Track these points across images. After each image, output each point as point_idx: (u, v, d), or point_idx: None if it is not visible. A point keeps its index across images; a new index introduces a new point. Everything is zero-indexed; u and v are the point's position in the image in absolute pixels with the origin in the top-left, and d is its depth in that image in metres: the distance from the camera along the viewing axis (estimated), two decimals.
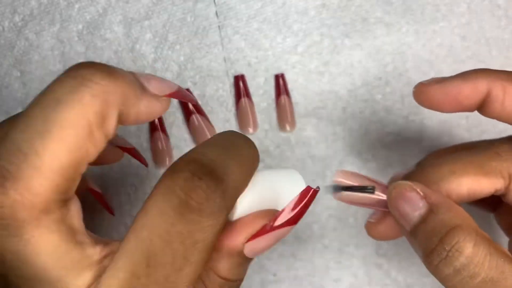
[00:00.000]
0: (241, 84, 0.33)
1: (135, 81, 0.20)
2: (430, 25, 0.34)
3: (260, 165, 0.33)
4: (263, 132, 0.34)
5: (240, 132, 0.33)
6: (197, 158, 0.19)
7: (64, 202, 0.18)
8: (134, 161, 0.32)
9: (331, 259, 0.34)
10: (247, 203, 0.21)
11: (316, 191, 0.20)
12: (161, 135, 0.32)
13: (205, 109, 0.33)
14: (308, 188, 0.20)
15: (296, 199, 0.20)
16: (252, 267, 0.34)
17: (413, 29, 0.34)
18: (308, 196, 0.20)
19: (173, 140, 0.33)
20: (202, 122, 0.33)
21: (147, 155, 0.33)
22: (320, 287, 0.34)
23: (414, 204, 0.21)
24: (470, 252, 0.19)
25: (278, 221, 0.20)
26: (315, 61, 0.34)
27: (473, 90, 0.23)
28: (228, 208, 0.19)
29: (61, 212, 0.18)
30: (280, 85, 0.33)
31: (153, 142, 0.32)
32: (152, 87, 0.21)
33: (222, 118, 0.33)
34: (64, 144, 0.17)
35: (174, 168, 0.18)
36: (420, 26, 0.34)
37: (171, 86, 0.22)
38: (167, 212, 0.17)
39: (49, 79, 0.32)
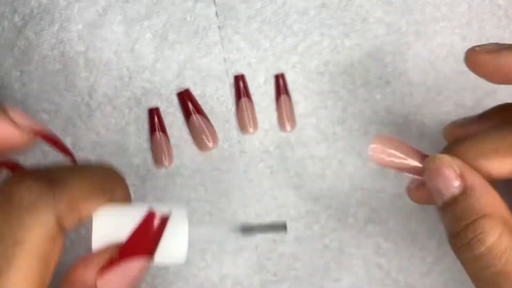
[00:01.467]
0: (241, 84, 0.33)
1: None
2: (430, 25, 0.35)
3: (260, 165, 0.33)
4: (263, 132, 0.34)
5: (240, 131, 0.33)
6: (32, 169, 0.18)
7: None
8: (134, 161, 0.33)
9: (331, 259, 0.34)
10: (105, 233, 0.18)
11: (152, 216, 0.18)
12: (161, 135, 0.32)
13: (205, 109, 0.33)
14: (149, 215, 0.18)
15: (135, 228, 0.18)
16: (252, 267, 0.34)
17: (414, 29, 0.34)
18: (148, 224, 0.18)
19: (173, 140, 0.33)
20: (202, 122, 0.33)
21: (147, 155, 0.33)
22: (320, 287, 0.34)
23: (448, 182, 0.21)
24: (490, 244, 0.20)
25: (121, 253, 0.18)
26: (315, 61, 0.34)
27: None
28: (60, 212, 0.18)
29: None
30: (280, 85, 0.33)
31: (153, 142, 0.32)
32: (16, 114, 0.19)
33: (222, 118, 0.33)
34: None
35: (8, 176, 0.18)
36: (420, 26, 0.34)
37: (40, 126, 0.20)
38: None
39: (49, 79, 0.32)
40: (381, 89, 0.34)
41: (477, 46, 0.23)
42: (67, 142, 0.32)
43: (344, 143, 0.34)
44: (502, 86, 0.35)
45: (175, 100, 0.33)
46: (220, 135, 0.33)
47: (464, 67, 0.35)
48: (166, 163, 0.32)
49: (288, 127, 0.33)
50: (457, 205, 0.21)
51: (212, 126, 0.33)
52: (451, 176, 0.21)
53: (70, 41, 0.32)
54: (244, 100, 0.33)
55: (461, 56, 0.35)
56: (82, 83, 0.32)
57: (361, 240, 0.34)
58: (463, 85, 0.35)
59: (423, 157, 0.23)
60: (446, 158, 0.21)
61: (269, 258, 0.34)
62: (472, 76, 0.35)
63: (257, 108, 0.34)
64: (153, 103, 0.33)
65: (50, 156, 0.32)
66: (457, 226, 0.20)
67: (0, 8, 0.32)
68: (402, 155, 0.23)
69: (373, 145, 0.23)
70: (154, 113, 0.33)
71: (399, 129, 0.34)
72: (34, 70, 0.32)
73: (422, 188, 0.24)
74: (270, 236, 0.34)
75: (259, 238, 0.34)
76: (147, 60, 0.33)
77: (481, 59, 0.23)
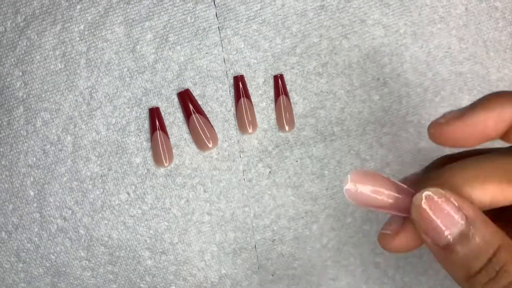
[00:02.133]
0: (240, 84, 0.33)
1: None
2: (427, 27, 0.35)
3: (259, 164, 0.34)
4: (262, 132, 0.34)
5: (240, 131, 0.34)
6: None
7: None
8: (134, 160, 0.33)
9: (329, 258, 0.34)
10: None
11: None
12: (161, 134, 0.33)
13: (205, 109, 0.33)
14: None
15: None
16: (251, 267, 0.34)
17: (411, 31, 0.35)
18: None
19: (173, 140, 0.33)
20: (201, 122, 0.33)
21: (147, 155, 0.33)
22: (318, 286, 0.34)
23: (450, 218, 0.19)
24: None
25: None
26: (314, 62, 0.34)
27: (498, 121, 0.21)
28: None
29: None
30: (279, 85, 0.34)
31: (153, 142, 0.33)
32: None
33: (222, 118, 0.33)
34: None
35: None
36: (417, 28, 0.35)
37: None
38: None
39: (50, 79, 0.32)
40: (379, 90, 0.34)
41: (437, 119, 0.22)
42: (68, 141, 0.32)
43: (342, 143, 0.34)
44: (500, 84, 0.36)
45: (175, 100, 0.33)
46: (219, 135, 0.33)
47: (460, 69, 0.35)
48: (166, 162, 0.33)
49: (286, 127, 0.34)
50: (471, 242, 0.19)
51: (211, 126, 0.33)
52: (453, 211, 0.19)
53: (72, 42, 0.33)
54: (243, 100, 0.33)
55: (458, 57, 0.35)
56: (83, 83, 0.33)
57: (358, 239, 0.35)
58: (460, 86, 0.35)
59: (405, 191, 0.20)
60: (439, 191, 0.19)
61: (268, 258, 0.34)
62: (468, 77, 0.35)
63: (256, 109, 0.34)
64: (153, 103, 0.33)
65: (50, 156, 0.32)
66: (478, 262, 0.19)
67: (3, 8, 0.32)
68: (384, 191, 0.20)
69: (347, 186, 0.20)
70: (154, 113, 0.33)
71: (396, 129, 0.35)
72: (36, 70, 0.32)
73: (402, 232, 0.21)
74: (269, 235, 0.34)
75: (258, 238, 0.34)
76: (148, 61, 0.33)
77: (449, 129, 0.21)
